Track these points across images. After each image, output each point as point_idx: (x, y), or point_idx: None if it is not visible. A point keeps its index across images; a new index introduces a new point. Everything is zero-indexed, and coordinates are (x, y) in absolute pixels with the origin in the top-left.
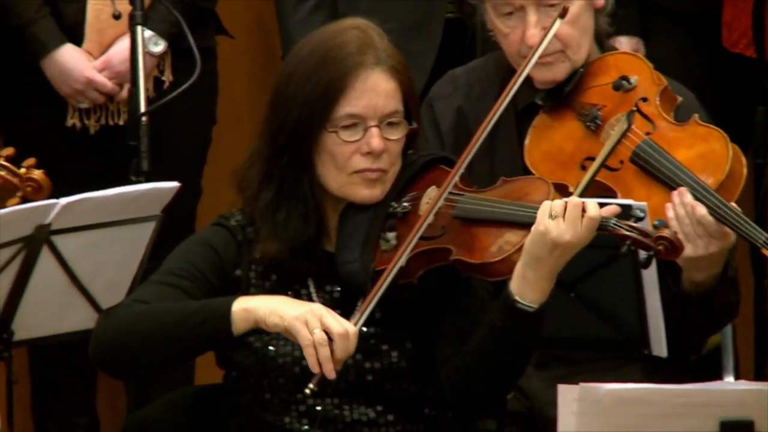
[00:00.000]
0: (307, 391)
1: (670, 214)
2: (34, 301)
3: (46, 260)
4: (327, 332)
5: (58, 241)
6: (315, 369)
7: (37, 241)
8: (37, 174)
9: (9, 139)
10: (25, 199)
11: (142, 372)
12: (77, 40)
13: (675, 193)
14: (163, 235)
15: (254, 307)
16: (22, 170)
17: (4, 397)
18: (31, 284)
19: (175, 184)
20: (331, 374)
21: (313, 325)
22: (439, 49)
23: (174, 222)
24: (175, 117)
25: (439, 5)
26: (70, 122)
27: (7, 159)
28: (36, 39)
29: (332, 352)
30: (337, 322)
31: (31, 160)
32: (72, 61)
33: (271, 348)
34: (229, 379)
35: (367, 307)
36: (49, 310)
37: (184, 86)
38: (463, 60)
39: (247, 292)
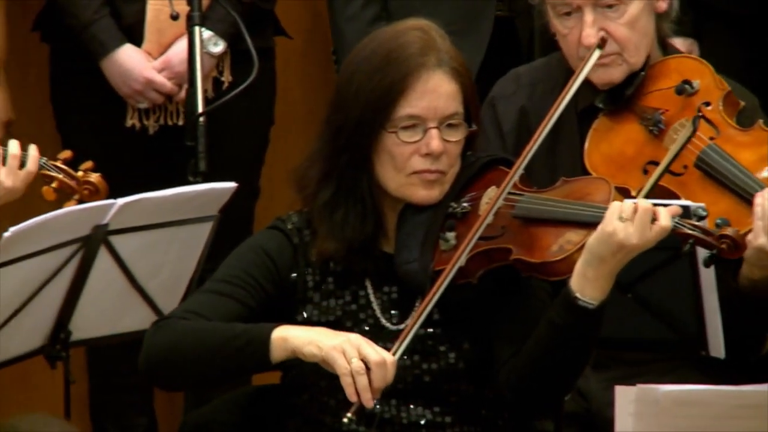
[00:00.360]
0: (345, 420)
1: (758, 200)
2: (91, 301)
3: (103, 260)
4: (365, 361)
5: (116, 241)
6: (353, 398)
7: (95, 241)
8: (94, 177)
9: (68, 139)
10: (81, 202)
11: (190, 387)
12: (136, 40)
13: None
14: (221, 236)
15: (292, 337)
16: (80, 173)
17: (63, 398)
18: (89, 284)
19: (232, 184)
20: (369, 403)
21: (350, 354)
22: (488, 47)
23: (231, 222)
24: (233, 117)
25: (488, 3)
26: (129, 122)
27: (65, 162)
28: (96, 39)
29: (370, 381)
30: (374, 351)
31: (88, 164)
32: (131, 61)
33: None
34: (287, 379)
35: (411, 329)
36: (107, 310)
37: (242, 87)
38: (511, 59)
39: (304, 297)
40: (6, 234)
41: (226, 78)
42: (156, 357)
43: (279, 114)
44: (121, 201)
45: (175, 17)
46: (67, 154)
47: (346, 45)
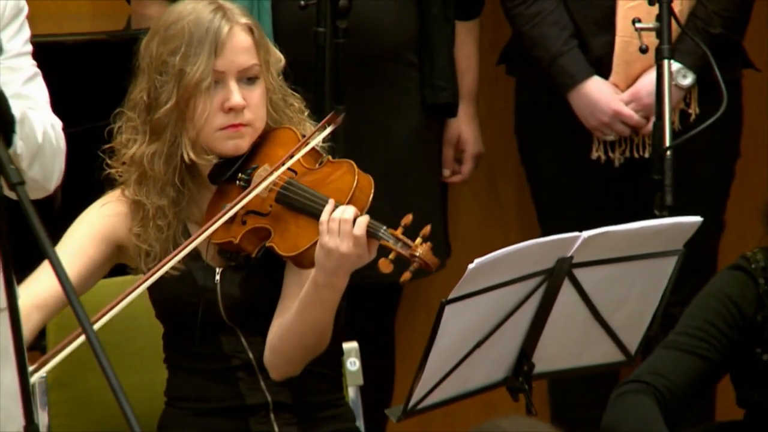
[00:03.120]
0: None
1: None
2: (554, 333)
3: (567, 293)
4: None
5: (580, 273)
6: None
7: (559, 273)
8: (423, 249)
9: (533, 171)
10: (414, 273)
11: None
12: (604, 72)
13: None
14: (684, 270)
15: None
16: (417, 240)
17: None
18: (552, 317)
19: (698, 219)
20: None
21: None
22: None
23: (696, 257)
24: (699, 150)
25: None
26: (594, 155)
27: (405, 228)
28: (564, 71)
29: None
30: None
31: (426, 229)
32: (599, 93)
33: None
34: (750, 418)
35: None
36: (569, 343)
37: (709, 120)
38: None
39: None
40: (471, 265)
41: (693, 110)
42: (606, 428)
43: (745, 146)
44: (586, 234)
45: (644, 50)
46: (407, 219)
47: None
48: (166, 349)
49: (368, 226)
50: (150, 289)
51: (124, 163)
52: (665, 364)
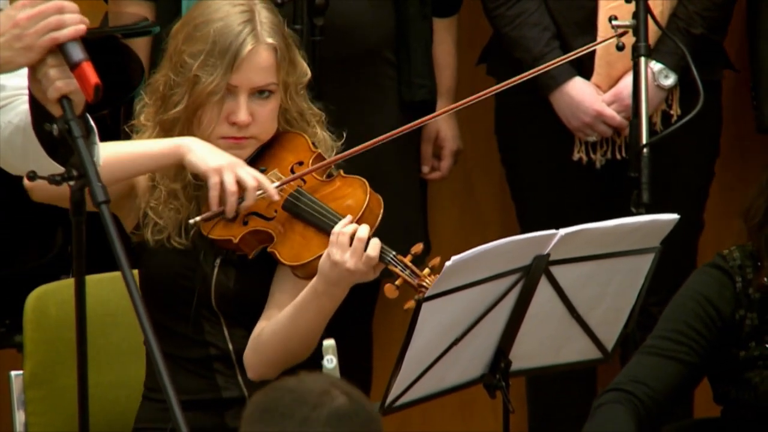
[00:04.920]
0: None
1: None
2: (531, 330)
3: (544, 290)
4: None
5: (557, 271)
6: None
7: (536, 271)
8: (431, 281)
9: (513, 171)
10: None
11: None
12: (585, 73)
13: None
14: (662, 269)
15: None
16: (425, 271)
17: (501, 427)
18: (529, 314)
19: (674, 216)
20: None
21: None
22: None
23: (675, 256)
24: (679, 150)
25: None
26: (576, 156)
27: (414, 257)
28: (546, 72)
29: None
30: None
31: (435, 260)
32: (582, 94)
33: None
34: (727, 414)
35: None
36: (546, 341)
37: (686, 118)
38: None
39: (748, 335)
40: (448, 263)
41: (675, 111)
42: None
43: (725, 145)
44: (563, 231)
45: (620, 48)
46: (418, 248)
47: None
48: None
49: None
50: (150, 252)
51: None
52: (645, 371)
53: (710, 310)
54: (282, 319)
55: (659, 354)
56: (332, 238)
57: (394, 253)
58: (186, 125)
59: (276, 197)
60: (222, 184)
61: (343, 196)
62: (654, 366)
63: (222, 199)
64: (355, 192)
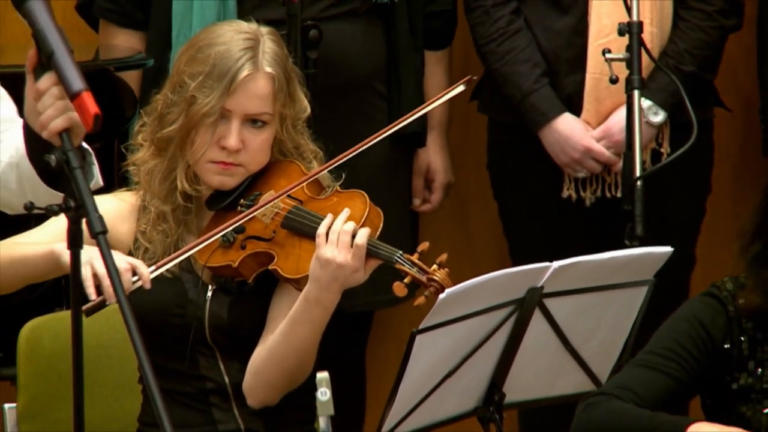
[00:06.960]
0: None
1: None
2: (525, 363)
3: (537, 323)
4: None
5: (550, 303)
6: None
7: (530, 303)
8: (441, 274)
9: (505, 205)
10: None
11: None
12: (574, 110)
13: None
14: (655, 302)
15: None
16: (433, 267)
17: None
18: (523, 347)
19: (668, 249)
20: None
21: None
22: None
23: (667, 291)
24: (671, 187)
25: None
26: (565, 193)
27: (422, 255)
28: (535, 108)
29: None
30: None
31: (442, 257)
32: (570, 129)
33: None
34: None
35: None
36: (540, 373)
37: (679, 152)
38: None
39: (738, 366)
40: (441, 296)
41: (665, 149)
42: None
43: (716, 183)
44: (556, 264)
45: (614, 81)
46: (424, 246)
47: None
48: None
49: (381, 249)
50: (139, 291)
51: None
52: (633, 380)
53: (702, 334)
54: (276, 336)
55: (648, 366)
56: (318, 240)
57: (400, 252)
58: (179, 145)
59: (149, 285)
60: (93, 271)
61: (342, 209)
62: (643, 377)
63: (99, 287)
64: (355, 204)
